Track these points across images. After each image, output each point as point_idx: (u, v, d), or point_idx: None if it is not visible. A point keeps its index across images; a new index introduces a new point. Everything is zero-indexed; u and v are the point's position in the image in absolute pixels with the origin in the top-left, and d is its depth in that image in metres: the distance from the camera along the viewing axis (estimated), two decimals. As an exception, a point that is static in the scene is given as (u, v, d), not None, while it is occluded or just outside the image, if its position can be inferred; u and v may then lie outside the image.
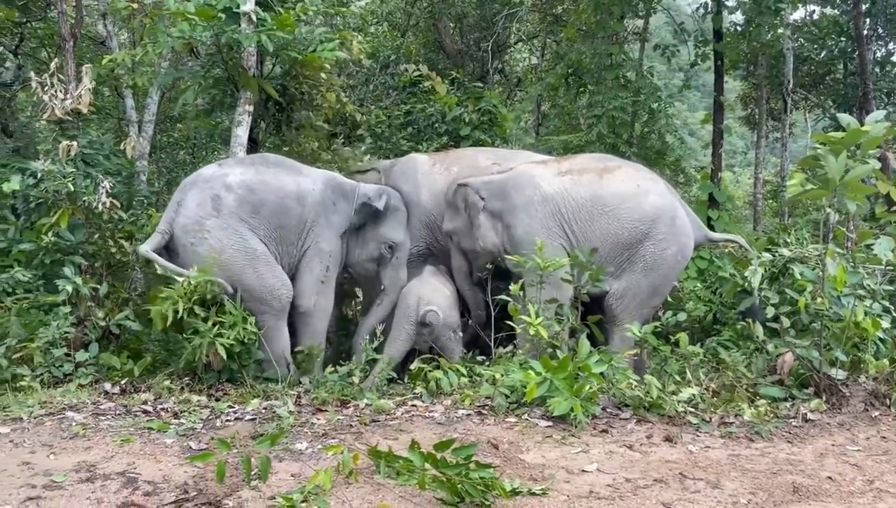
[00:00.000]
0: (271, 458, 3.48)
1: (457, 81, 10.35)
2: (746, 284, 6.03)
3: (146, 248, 5.26)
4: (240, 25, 6.06)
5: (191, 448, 3.86)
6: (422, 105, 9.33)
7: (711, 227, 8.76)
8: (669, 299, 6.68)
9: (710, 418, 4.55)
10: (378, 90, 11.69)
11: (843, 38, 11.57)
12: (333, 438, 4.04)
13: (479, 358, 5.98)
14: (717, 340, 6.41)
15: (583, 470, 3.63)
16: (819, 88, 14.29)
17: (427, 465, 3.21)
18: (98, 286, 5.43)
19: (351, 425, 4.30)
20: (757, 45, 10.86)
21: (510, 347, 5.76)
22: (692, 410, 4.63)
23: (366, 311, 6.22)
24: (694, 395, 4.85)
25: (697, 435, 4.24)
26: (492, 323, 6.03)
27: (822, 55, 12.97)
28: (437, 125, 9.19)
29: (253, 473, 3.23)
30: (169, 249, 5.49)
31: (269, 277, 5.43)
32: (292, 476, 3.50)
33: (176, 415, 4.46)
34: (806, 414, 4.64)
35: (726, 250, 7.93)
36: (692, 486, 3.46)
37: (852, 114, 11.30)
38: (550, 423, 4.32)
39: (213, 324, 5.03)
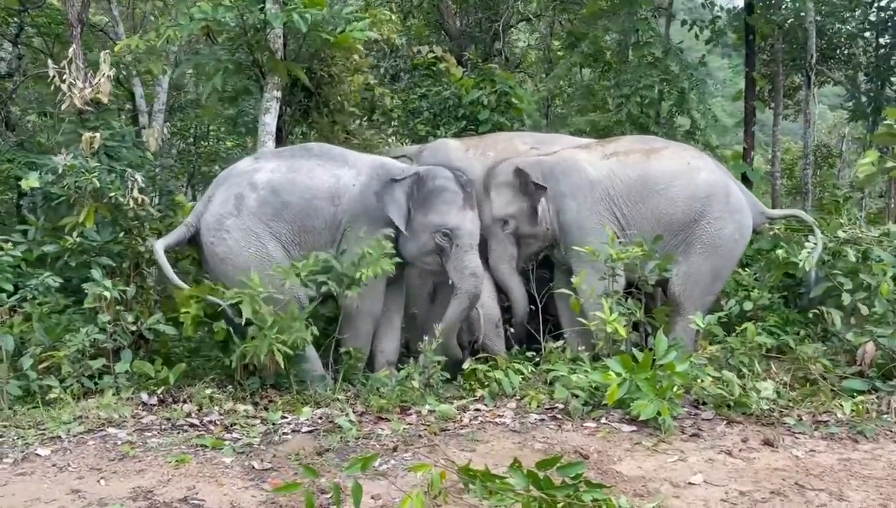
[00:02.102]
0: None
1: (469, 63, 9.95)
2: (801, 266, 5.74)
3: (159, 245, 4.94)
4: (265, 5, 5.65)
5: (253, 467, 3.52)
6: (437, 88, 8.93)
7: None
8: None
9: (800, 416, 4.25)
10: (388, 73, 11.30)
11: (872, 10, 11.21)
12: (406, 451, 3.70)
13: (529, 353, 5.64)
14: (763, 326, 6.12)
15: (689, 483, 3.32)
16: (829, 63, 14.00)
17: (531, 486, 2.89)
18: (126, 288, 5.05)
19: (420, 435, 3.96)
20: (776, 19, 10.53)
21: (560, 342, 5.46)
22: (779, 408, 4.32)
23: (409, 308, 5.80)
24: (772, 390, 4.56)
25: (796, 437, 3.93)
26: (539, 315, 5.70)
27: (840, 28, 12.66)
28: (453, 109, 8.80)
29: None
30: (196, 244, 5.18)
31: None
32: (372, 497, 3.17)
33: (227, 429, 4.10)
34: (897, 408, 4.35)
35: (771, 232, 7.62)
36: (815, 498, 3.16)
37: (883, 88, 11.07)
38: (634, 428, 4.01)
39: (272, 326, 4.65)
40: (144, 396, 4.67)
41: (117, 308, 4.99)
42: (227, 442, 3.83)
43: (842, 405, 4.32)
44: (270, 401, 4.72)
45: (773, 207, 11.56)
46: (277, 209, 5.04)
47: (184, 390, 4.77)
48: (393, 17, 6.75)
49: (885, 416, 4.26)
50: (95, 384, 4.71)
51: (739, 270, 7.23)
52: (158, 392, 4.74)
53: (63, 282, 4.95)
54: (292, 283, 4.72)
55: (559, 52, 12.35)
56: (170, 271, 4.93)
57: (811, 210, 10.88)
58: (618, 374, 4.11)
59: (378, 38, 6.42)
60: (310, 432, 4.05)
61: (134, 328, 4.99)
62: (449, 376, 5.01)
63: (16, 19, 8.67)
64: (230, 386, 4.77)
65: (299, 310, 4.82)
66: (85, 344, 4.67)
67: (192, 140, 12.78)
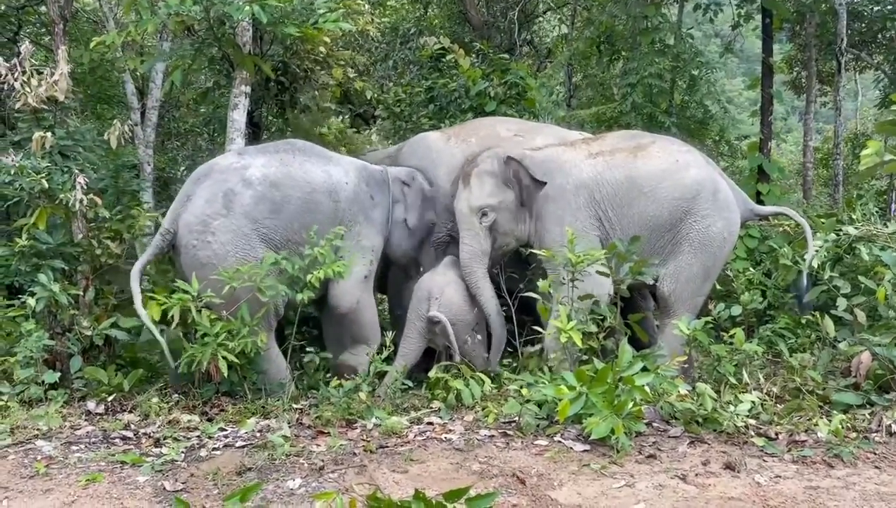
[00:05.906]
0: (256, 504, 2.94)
1: (482, 53, 9.63)
2: (804, 267, 5.34)
3: (136, 270, 4.66)
4: (232, -3, 5.44)
5: (164, 488, 3.31)
6: (444, 80, 8.61)
7: (761, 202, 7.99)
8: (718, 285, 6.01)
9: (777, 434, 3.87)
10: (399, 66, 11.01)
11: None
12: (333, 472, 3.45)
13: (506, 360, 5.34)
14: (772, 328, 5.72)
15: (627, 514, 3.00)
16: (871, 47, 13.30)
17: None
18: (80, 293, 4.91)
19: (355, 453, 3.70)
20: (805, 2, 9.99)
21: (538, 346, 5.14)
22: (754, 424, 3.95)
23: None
24: (754, 403, 4.18)
25: (764, 460, 3.56)
26: (513, 319, 5.37)
27: (877, 10, 12.01)
28: (460, 101, 8.49)
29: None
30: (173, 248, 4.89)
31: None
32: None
33: (157, 443, 3.91)
34: (890, 425, 3.93)
35: (780, 229, 7.17)
36: (764, 536, 2.82)
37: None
38: (587, 447, 3.68)
39: (219, 332, 4.45)
40: (91, 405, 4.53)
41: (72, 313, 4.87)
42: (149, 459, 3.63)
43: (827, 421, 3.92)
44: (222, 410, 4.54)
45: (805, 199, 11.03)
46: (277, 204, 4.79)
47: (137, 397, 4.63)
48: (368, 7, 6.45)
49: (874, 435, 3.86)
50: (46, 392, 4.59)
51: (750, 268, 6.83)
52: (108, 399, 4.60)
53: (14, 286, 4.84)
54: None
55: (575, 40, 11.97)
56: (140, 306, 4.52)
57: (841, 204, 10.33)
58: (571, 388, 3.80)
59: (352, 30, 6.14)
60: (242, 446, 3.83)
61: (89, 333, 4.88)
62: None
63: (14, 17, 8.67)
64: (179, 394, 4.60)
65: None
66: (32, 349, 4.55)
67: (210, 136, 12.73)
